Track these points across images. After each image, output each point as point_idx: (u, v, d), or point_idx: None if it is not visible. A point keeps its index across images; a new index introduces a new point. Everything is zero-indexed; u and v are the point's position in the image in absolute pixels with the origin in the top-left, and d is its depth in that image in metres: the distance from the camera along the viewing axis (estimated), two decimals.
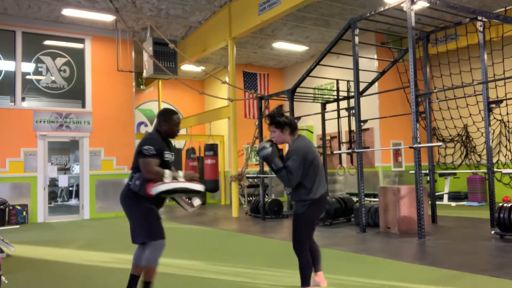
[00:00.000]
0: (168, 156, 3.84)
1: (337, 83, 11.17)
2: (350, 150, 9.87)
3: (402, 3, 7.08)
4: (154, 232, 3.72)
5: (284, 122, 3.72)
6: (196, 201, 3.91)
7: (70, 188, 15.22)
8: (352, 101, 10.12)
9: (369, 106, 12.32)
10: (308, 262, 3.72)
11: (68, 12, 11.10)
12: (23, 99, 11.62)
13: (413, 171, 7.31)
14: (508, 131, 11.87)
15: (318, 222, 4.04)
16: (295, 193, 3.73)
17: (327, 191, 3.88)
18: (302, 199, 3.67)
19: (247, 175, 11.47)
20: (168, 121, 3.89)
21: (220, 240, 7.61)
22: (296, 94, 10.38)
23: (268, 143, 3.68)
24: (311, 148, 3.71)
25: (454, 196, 12.79)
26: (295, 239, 3.74)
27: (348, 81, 11.08)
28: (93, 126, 12.16)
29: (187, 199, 3.92)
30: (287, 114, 3.99)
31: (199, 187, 3.71)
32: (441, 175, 12.43)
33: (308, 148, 3.68)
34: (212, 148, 14.35)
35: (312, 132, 14.67)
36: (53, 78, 11.98)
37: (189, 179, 3.75)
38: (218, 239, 7.76)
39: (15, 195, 10.96)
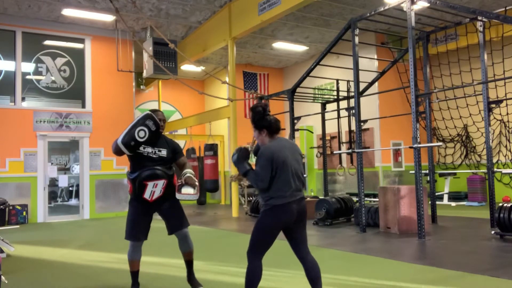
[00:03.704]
0: (147, 149, 4.04)
1: (337, 83, 11.17)
2: (350, 150, 9.88)
3: (402, 3, 7.08)
4: (126, 232, 4.11)
5: (261, 125, 3.43)
6: (185, 189, 4.02)
7: (70, 188, 15.22)
8: (352, 101, 10.13)
9: (369, 106, 12.32)
10: (254, 273, 3.33)
11: (68, 12, 11.10)
12: (23, 99, 11.63)
13: (413, 171, 7.32)
14: (508, 131, 11.86)
15: (301, 231, 3.47)
16: (261, 196, 3.45)
17: (300, 200, 3.38)
18: (265, 202, 3.35)
19: None
20: None
21: (220, 240, 7.61)
22: (296, 94, 10.39)
23: (238, 150, 3.46)
24: (281, 151, 3.35)
25: (454, 196, 12.79)
26: (249, 244, 3.39)
27: (348, 81, 11.07)
28: (93, 126, 12.16)
29: (178, 185, 4.07)
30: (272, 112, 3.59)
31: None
32: (441, 175, 12.43)
33: (277, 151, 3.33)
34: (212, 148, 14.34)
35: (312, 132, 14.66)
36: (53, 78, 11.98)
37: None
38: (218, 239, 7.76)
39: (15, 195, 10.96)
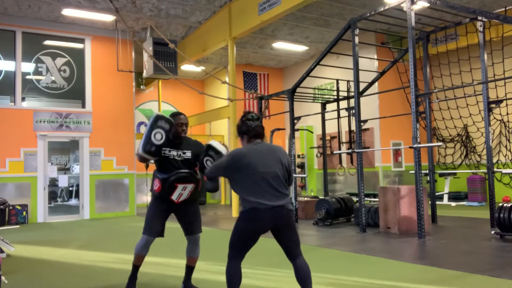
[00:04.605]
0: (172, 153, 4.06)
1: (337, 83, 11.17)
2: (350, 150, 9.88)
3: (402, 3, 7.08)
4: (144, 227, 4.12)
5: (241, 131, 3.48)
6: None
7: (70, 188, 15.20)
8: (352, 101, 10.12)
9: (369, 106, 12.32)
10: (231, 274, 3.33)
11: (68, 12, 11.10)
12: (23, 99, 11.62)
13: (413, 171, 7.32)
14: (508, 131, 11.87)
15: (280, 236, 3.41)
16: None
17: (277, 208, 3.25)
18: (241, 205, 3.39)
19: None
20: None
21: (220, 240, 7.60)
22: (296, 94, 10.37)
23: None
24: (246, 155, 3.29)
25: (454, 196, 12.79)
26: (228, 245, 3.40)
27: (348, 81, 11.08)
28: (93, 126, 12.16)
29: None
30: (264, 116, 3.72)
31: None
32: (441, 175, 12.43)
33: (242, 154, 3.30)
34: None
35: (312, 132, 14.67)
36: (53, 78, 11.98)
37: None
38: (218, 239, 7.76)
39: (15, 195, 10.96)
